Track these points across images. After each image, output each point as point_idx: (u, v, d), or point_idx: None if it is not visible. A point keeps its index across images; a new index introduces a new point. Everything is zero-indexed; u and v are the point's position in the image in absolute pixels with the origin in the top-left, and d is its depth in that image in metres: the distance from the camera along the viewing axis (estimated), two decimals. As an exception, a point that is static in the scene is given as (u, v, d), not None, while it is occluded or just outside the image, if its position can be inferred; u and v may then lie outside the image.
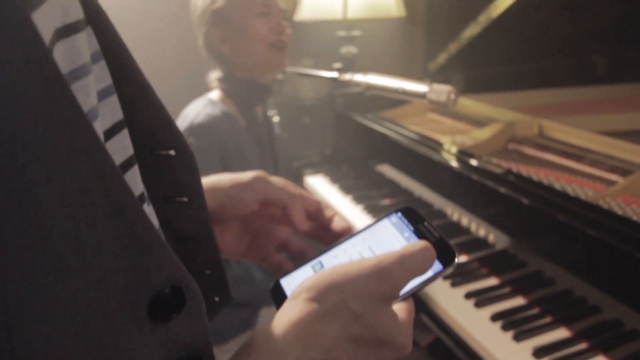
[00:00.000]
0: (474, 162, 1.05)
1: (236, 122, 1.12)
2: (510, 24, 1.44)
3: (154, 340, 0.28)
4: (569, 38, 1.71)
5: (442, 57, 1.57)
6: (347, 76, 1.18)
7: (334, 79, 1.22)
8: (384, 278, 0.32)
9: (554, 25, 1.63)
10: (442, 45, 1.58)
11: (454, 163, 1.08)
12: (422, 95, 0.96)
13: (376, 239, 0.40)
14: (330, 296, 0.32)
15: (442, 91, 0.92)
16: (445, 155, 1.11)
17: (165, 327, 0.29)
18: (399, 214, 0.42)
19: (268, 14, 1.06)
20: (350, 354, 0.32)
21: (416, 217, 0.41)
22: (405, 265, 0.33)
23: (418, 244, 0.34)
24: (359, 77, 1.14)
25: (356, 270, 0.32)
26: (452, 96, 0.91)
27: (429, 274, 0.35)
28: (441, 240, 0.37)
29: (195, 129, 1.05)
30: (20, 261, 0.23)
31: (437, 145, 1.16)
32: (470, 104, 1.49)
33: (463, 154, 1.10)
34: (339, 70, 1.21)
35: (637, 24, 1.66)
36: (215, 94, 1.15)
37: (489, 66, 1.63)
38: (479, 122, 1.39)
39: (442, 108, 1.57)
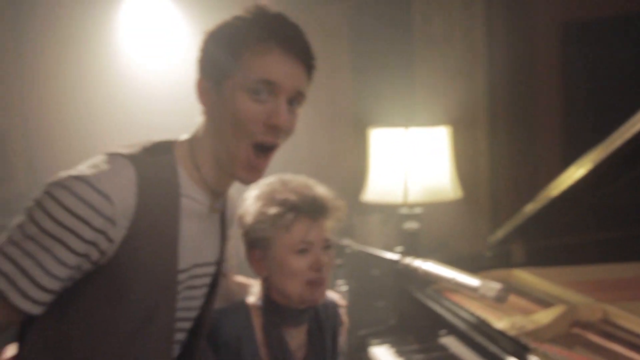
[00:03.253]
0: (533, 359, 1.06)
1: (253, 338, 1.04)
2: (571, 200, 1.51)
3: None
4: (633, 209, 1.74)
5: (500, 233, 1.66)
6: (408, 260, 1.32)
7: (395, 262, 1.35)
8: None
9: (616, 198, 1.68)
10: (502, 220, 1.69)
11: (511, 357, 1.09)
12: (474, 290, 1.06)
13: None
14: None
15: (491, 288, 1.01)
16: (503, 346, 1.13)
17: None
18: None
19: (308, 250, 1.00)
20: None
21: None
22: None
23: None
24: (417, 263, 1.27)
25: None
26: (502, 294, 1.00)
27: None
28: None
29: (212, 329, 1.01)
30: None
31: (494, 333, 1.19)
32: (531, 280, 1.53)
33: (521, 347, 1.11)
34: (401, 253, 1.36)
35: None
36: (251, 299, 1.09)
37: (551, 239, 1.69)
38: (541, 300, 1.41)
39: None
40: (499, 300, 1.00)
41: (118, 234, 0.74)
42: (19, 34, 2.26)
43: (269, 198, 1.00)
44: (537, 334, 1.19)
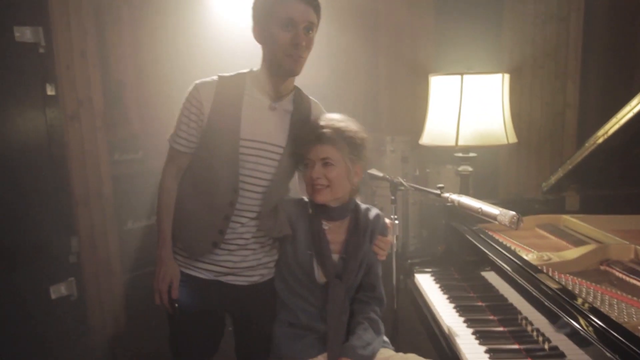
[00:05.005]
0: (551, 284, 1.15)
1: (305, 224, 1.37)
2: (621, 150, 1.51)
3: None
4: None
5: (553, 179, 1.71)
6: (446, 194, 1.46)
7: (437, 195, 1.50)
8: None
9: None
10: (555, 166, 1.72)
11: (530, 286, 1.18)
12: (494, 217, 1.18)
13: None
14: None
15: (507, 215, 1.14)
16: (523, 272, 1.24)
17: None
18: None
19: (308, 165, 1.32)
20: None
21: None
22: None
23: None
24: (454, 197, 1.40)
25: None
26: (514, 220, 1.13)
27: None
28: None
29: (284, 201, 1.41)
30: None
31: (521, 262, 1.30)
32: (576, 224, 1.58)
33: (534, 270, 1.21)
34: (441, 189, 1.49)
35: None
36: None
37: (604, 189, 1.70)
38: (581, 242, 1.47)
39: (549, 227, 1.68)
40: (512, 225, 1.12)
41: (205, 109, 1.29)
42: (133, 1, 2.62)
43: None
44: (562, 266, 1.29)
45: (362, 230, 1.38)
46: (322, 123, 1.31)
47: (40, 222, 2.10)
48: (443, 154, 2.92)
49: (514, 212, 1.13)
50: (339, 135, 1.29)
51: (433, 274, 1.69)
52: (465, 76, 1.69)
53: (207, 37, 2.70)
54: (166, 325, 1.44)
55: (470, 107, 1.69)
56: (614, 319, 0.97)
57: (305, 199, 1.42)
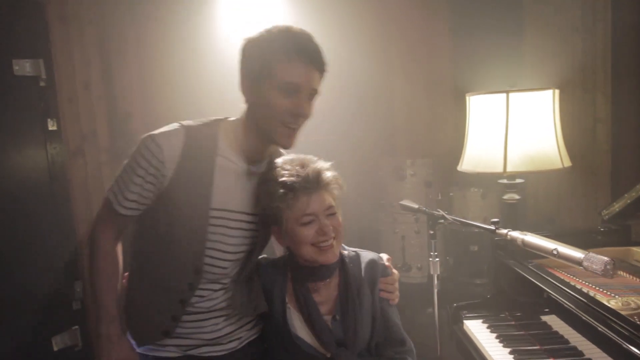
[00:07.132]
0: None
1: (284, 287, 1.18)
2: None
3: None
4: None
5: (617, 205, 1.50)
6: (504, 231, 1.25)
7: (491, 232, 1.30)
8: None
9: None
10: (615, 193, 1.52)
11: (622, 337, 0.99)
12: (578, 262, 0.98)
13: None
14: None
15: (598, 261, 0.93)
16: (614, 327, 1.04)
17: None
18: None
19: (312, 221, 1.09)
20: None
21: None
22: None
23: None
24: (515, 234, 1.20)
25: None
26: (609, 267, 0.92)
27: None
28: None
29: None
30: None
31: (605, 312, 1.08)
32: (653, 259, 1.37)
33: (635, 328, 1.01)
34: (496, 224, 1.29)
35: None
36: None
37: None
38: (664, 281, 1.26)
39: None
40: (606, 274, 0.92)
41: (168, 171, 1.05)
42: (139, 29, 2.50)
43: (273, 180, 1.10)
44: (654, 315, 1.08)
45: (357, 283, 1.16)
46: (312, 168, 1.09)
47: (41, 267, 1.95)
48: (466, 176, 2.73)
49: (607, 258, 0.92)
50: (334, 177, 1.10)
51: (485, 320, 1.47)
52: (511, 94, 1.51)
53: (217, 66, 2.56)
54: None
55: (519, 128, 1.50)
56: None
57: (281, 256, 1.22)
